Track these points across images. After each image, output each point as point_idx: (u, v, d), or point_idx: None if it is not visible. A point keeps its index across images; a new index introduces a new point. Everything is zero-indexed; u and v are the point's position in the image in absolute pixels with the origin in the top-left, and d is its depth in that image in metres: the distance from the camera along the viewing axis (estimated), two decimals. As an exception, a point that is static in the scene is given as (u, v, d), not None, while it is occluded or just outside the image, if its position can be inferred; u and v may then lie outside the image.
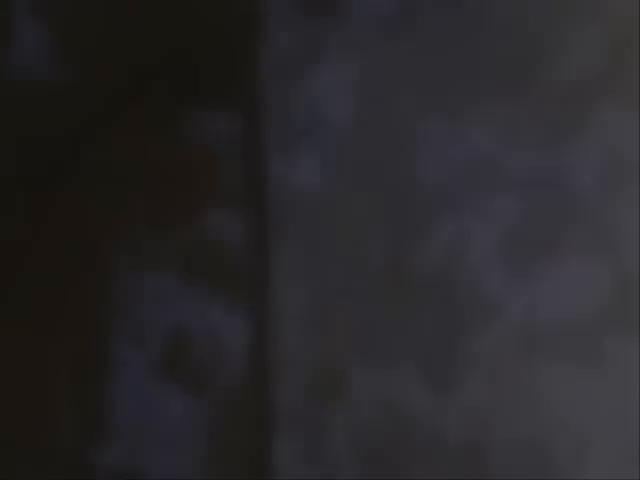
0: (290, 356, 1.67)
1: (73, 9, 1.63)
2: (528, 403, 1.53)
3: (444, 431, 1.57)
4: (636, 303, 1.47)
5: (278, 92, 1.70)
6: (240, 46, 1.70)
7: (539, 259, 1.54)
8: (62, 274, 1.75)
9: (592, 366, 1.49)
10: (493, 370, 1.55)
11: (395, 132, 1.66)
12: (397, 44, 1.66)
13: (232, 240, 1.71)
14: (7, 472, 1.72)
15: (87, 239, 1.75)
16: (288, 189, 1.70)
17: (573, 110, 1.55)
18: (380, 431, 1.62)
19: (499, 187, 1.58)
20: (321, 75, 1.68)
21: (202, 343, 1.71)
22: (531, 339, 1.54)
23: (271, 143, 1.71)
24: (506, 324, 1.55)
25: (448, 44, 1.64)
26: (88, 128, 1.73)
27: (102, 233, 1.74)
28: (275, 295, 1.69)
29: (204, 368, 1.70)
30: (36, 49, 1.64)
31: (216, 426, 1.67)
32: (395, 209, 1.64)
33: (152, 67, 1.70)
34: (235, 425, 1.67)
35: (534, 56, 1.58)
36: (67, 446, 1.71)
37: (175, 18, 1.68)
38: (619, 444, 1.47)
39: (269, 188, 1.70)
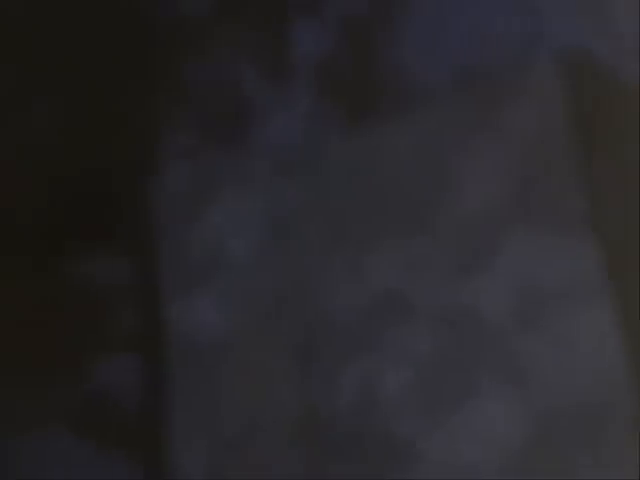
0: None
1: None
2: None
3: None
4: (551, 447, 1.33)
5: (173, 232, 1.59)
6: (132, 189, 1.61)
7: (451, 400, 1.41)
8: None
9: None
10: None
11: (298, 268, 1.54)
12: (299, 175, 1.56)
13: (127, 391, 1.57)
14: None
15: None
16: (186, 333, 1.57)
17: (481, 239, 1.44)
18: None
19: (408, 322, 1.46)
20: (218, 213, 1.58)
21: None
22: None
23: (167, 285, 1.59)
24: (422, 468, 1.41)
25: (354, 175, 1.55)
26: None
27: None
28: (172, 449, 1.54)
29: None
30: None
31: None
32: (302, 349, 1.52)
33: (40, 209, 1.60)
34: None
35: (439, 185, 1.49)
36: None
37: (64, 159, 1.59)
38: None
39: (165, 332, 1.58)
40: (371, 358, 1.48)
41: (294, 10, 1.64)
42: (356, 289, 1.51)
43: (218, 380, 1.55)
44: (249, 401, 1.53)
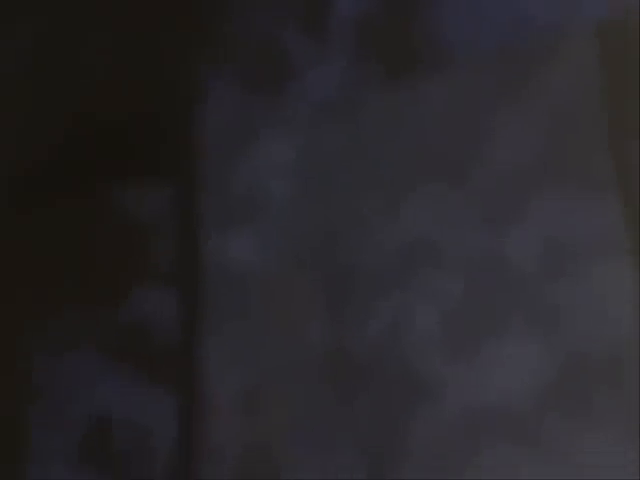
0: (220, 445, 1.59)
1: None
2: (471, 490, 1.46)
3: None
4: (575, 386, 1.43)
5: (216, 168, 1.66)
6: (179, 120, 1.67)
7: (479, 340, 1.50)
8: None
9: (534, 449, 1.44)
10: (433, 451, 1.49)
11: (333, 213, 1.62)
12: (336, 125, 1.64)
13: (163, 321, 1.64)
14: None
15: (6, 315, 1.66)
16: (223, 268, 1.64)
17: (512, 193, 1.54)
18: (314, 523, 1.53)
19: (437, 266, 1.55)
20: (260, 153, 1.66)
21: (125, 429, 1.61)
22: (473, 423, 1.48)
23: (207, 220, 1.66)
24: (447, 409, 1.50)
25: (389, 127, 1.63)
26: (14, 201, 1.66)
27: (23, 310, 1.66)
28: (206, 379, 1.61)
29: (126, 455, 1.60)
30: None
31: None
32: (334, 290, 1.60)
33: (86, 138, 1.65)
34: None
35: (473, 140, 1.58)
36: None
37: (111, 88, 1.64)
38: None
39: (203, 267, 1.65)
40: (400, 300, 1.56)
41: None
42: (388, 234, 1.59)
43: (252, 315, 1.62)
44: (281, 336, 1.61)
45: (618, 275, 1.45)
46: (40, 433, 1.63)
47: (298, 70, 1.70)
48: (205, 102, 1.69)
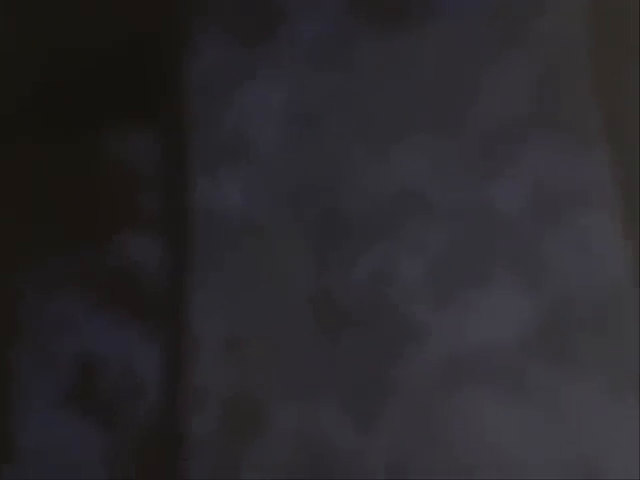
0: (206, 388, 1.60)
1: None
2: (454, 432, 1.49)
3: (366, 464, 1.52)
4: (558, 333, 1.46)
5: (204, 112, 1.66)
6: (167, 63, 1.66)
7: (465, 287, 1.52)
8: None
9: (515, 393, 1.47)
10: (418, 400, 1.52)
11: (322, 159, 1.63)
12: (328, 71, 1.64)
13: (149, 265, 1.64)
14: None
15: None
16: (209, 214, 1.65)
17: (502, 144, 1.55)
18: (299, 467, 1.55)
19: (426, 216, 1.57)
20: (249, 96, 1.65)
21: (113, 372, 1.62)
22: (456, 366, 1.51)
23: (194, 165, 1.66)
24: (432, 352, 1.52)
25: (380, 75, 1.63)
26: None
27: (8, 253, 1.65)
28: (192, 324, 1.62)
29: (114, 398, 1.61)
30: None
31: (125, 459, 1.58)
32: (321, 236, 1.61)
33: (71, 82, 1.64)
34: (146, 459, 1.59)
35: (462, 91, 1.59)
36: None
37: (98, 28, 1.63)
38: (541, 471, 1.44)
39: (189, 212, 1.65)
40: (386, 247, 1.58)
41: None
42: (376, 182, 1.60)
43: (238, 260, 1.63)
44: (267, 282, 1.62)
45: (603, 226, 1.48)
46: (26, 373, 1.64)
47: (290, 14, 1.69)
48: (194, 44, 1.68)
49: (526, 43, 1.57)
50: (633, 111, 1.51)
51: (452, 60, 1.60)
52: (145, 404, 1.60)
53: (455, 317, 1.52)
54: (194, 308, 1.62)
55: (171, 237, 1.65)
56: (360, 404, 1.54)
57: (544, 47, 1.56)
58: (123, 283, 1.64)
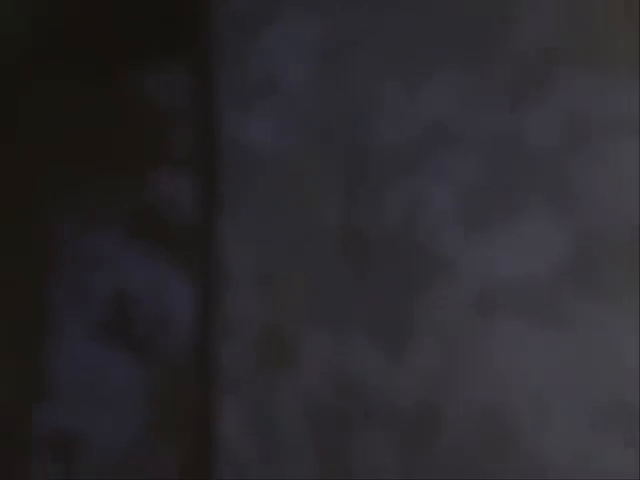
0: (238, 321, 1.61)
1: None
2: (483, 364, 1.49)
3: (396, 396, 1.52)
4: (591, 264, 1.45)
5: (234, 49, 1.65)
6: (196, 7, 1.66)
7: (496, 219, 1.51)
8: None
9: (548, 326, 1.46)
10: (448, 332, 1.51)
11: (353, 95, 1.62)
12: (358, 8, 1.63)
13: (181, 200, 1.65)
14: None
15: (27, 194, 1.67)
16: (240, 149, 1.65)
17: (533, 74, 1.53)
18: (330, 397, 1.56)
19: (456, 148, 1.55)
20: (279, 34, 1.64)
21: (147, 305, 1.64)
22: (487, 300, 1.50)
23: (224, 101, 1.66)
24: (462, 284, 1.52)
25: (410, 9, 1.61)
26: (30, 81, 1.66)
27: (44, 189, 1.67)
28: (224, 257, 1.63)
29: (148, 331, 1.63)
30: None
31: (160, 391, 1.60)
32: (351, 171, 1.60)
33: (103, 15, 1.64)
34: (180, 390, 1.60)
35: (495, 22, 1.57)
36: (4, 402, 1.62)
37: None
38: (576, 407, 1.44)
39: (220, 148, 1.65)
40: (417, 181, 1.57)
41: None
42: (406, 117, 1.59)
43: (268, 196, 1.63)
44: (297, 218, 1.62)
45: (636, 155, 1.45)
46: (60, 307, 1.66)
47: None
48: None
49: (558, -28, 1.54)
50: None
51: (483, -9, 1.58)
52: (177, 337, 1.62)
53: (485, 250, 1.51)
54: (225, 243, 1.63)
55: (202, 172, 1.65)
56: (390, 337, 1.54)
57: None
58: (155, 218, 1.65)
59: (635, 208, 1.43)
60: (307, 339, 1.57)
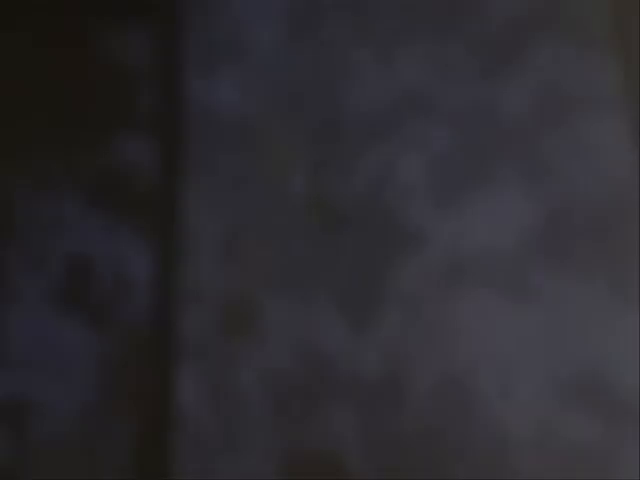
0: (199, 288, 1.58)
1: None
2: (449, 334, 1.49)
3: (361, 366, 1.51)
4: (560, 235, 1.46)
5: (201, 11, 1.62)
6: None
7: (466, 189, 1.51)
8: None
9: (516, 297, 1.47)
10: (415, 302, 1.51)
11: (322, 62, 1.60)
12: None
13: (142, 166, 1.61)
14: None
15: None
16: (205, 114, 1.62)
17: (508, 45, 1.53)
18: (293, 366, 1.54)
19: (428, 117, 1.55)
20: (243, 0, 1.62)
21: (105, 272, 1.60)
22: (455, 270, 1.50)
23: (190, 65, 1.62)
24: (430, 254, 1.51)
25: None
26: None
27: (5, 148, 1.61)
28: (186, 224, 1.60)
29: (106, 298, 1.59)
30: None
31: (117, 360, 1.56)
32: (319, 139, 1.59)
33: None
34: (138, 359, 1.57)
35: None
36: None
37: None
38: (542, 377, 1.45)
39: (185, 112, 1.62)
40: (387, 150, 1.56)
41: None
42: (377, 85, 1.58)
43: (234, 162, 1.60)
44: (264, 184, 1.60)
45: (609, 130, 1.47)
46: (16, 273, 1.61)
47: None
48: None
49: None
50: (637, 18, 1.50)
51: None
52: (137, 304, 1.58)
53: (455, 220, 1.51)
54: (188, 209, 1.60)
55: (165, 138, 1.62)
56: (356, 307, 1.53)
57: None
58: (116, 183, 1.61)
59: (605, 181, 1.45)
60: (271, 308, 1.55)
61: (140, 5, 1.62)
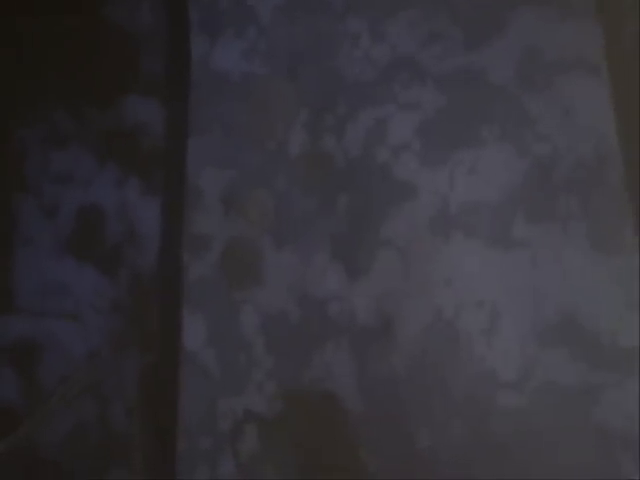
0: (203, 238, 1.66)
1: None
2: (438, 279, 1.57)
3: (355, 309, 1.59)
4: (543, 190, 1.54)
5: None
6: None
7: (454, 147, 1.60)
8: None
9: (501, 246, 1.55)
10: (406, 251, 1.59)
11: (321, 28, 1.68)
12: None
13: (150, 124, 1.69)
14: None
15: (5, 107, 1.70)
16: (209, 75, 1.70)
17: (491, 13, 1.61)
18: (291, 311, 1.62)
19: (418, 82, 1.63)
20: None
21: (115, 221, 1.68)
22: (443, 221, 1.58)
23: (194, 27, 1.70)
24: (420, 207, 1.60)
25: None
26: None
27: (15, 106, 1.69)
28: (191, 178, 1.68)
29: (115, 247, 1.67)
30: None
31: (125, 305, 1.65)
32: (316, 99, 1.67)
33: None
34: (144, 304, 1.65)
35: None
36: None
37: None
38: (525, 321, 1.53)
39: (189, 73, 1.70)
40: (380, 112, 1.64)
41: None
42: (371, 51, 1.66)
43: (236, 121, 1.68)
44: (264, 142, 1.68)
45: (591, 92, 1.55)
46: (28, 222, 1.69)
47: None
48: None
49: None
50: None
51: None
52: (145, 252, 1.66)
53: (443, 176, 1.59)
54: (193, 164, 1.68)
55: (171, 97, 1.70)
56: (351, 254, 1.61)
57: None
58: (124, 141, 1.69)
59: (584, 140, 1.53)
60: (271, 256, 1.63)
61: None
